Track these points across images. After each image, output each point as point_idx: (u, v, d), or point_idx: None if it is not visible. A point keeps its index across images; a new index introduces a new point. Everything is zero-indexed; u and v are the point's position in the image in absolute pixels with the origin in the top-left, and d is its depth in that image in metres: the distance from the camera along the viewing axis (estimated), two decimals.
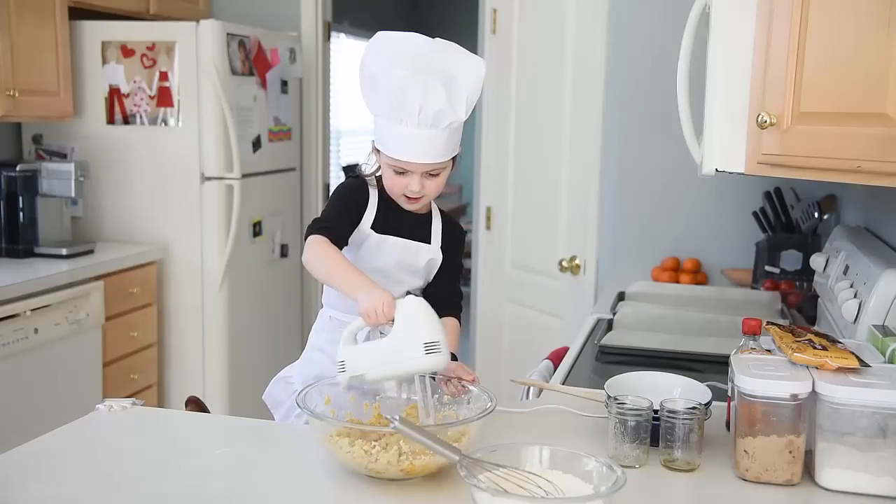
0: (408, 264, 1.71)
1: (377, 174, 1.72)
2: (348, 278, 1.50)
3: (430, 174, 1.62)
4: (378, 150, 1.66)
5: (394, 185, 1.64)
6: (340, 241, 1.60)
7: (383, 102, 1.58)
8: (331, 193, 1.73)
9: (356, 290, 1.45)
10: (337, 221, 1.62)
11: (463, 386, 1.50)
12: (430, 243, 1.73)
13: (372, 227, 1.67)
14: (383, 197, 1.70)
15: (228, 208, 3.48)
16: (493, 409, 1.37)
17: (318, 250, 1.55)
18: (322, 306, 1.82)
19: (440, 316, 1.70)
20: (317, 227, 1.59)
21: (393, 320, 1.40)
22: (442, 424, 1.41)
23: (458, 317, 1.74)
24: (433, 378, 1.52)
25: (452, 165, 1.67)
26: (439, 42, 1.62)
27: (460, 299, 1.78)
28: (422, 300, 1.43)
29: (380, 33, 1.62)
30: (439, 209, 1.79)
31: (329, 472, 1.36)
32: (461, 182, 7.39)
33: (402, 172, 1.61)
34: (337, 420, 1.41)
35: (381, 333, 1.46)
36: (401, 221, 1.70)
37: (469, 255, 4.14)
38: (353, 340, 1.46)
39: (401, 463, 1.28)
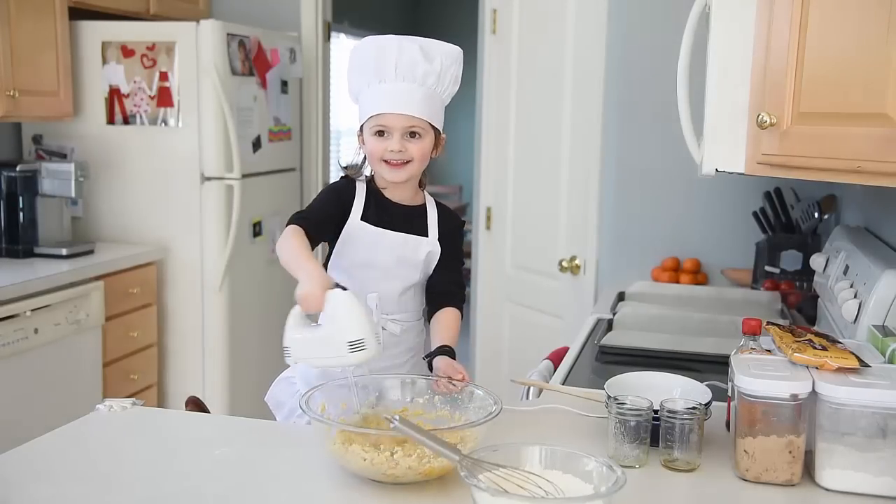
0: (407, 259, 1.71)
1: (365, 170, 1.74)
2: (296, 263, 1.51)
3: (411, 135, 1.64)
4: (361, 134, 1.69)
5: (375, 150, 1.66)
6: (316, 233, 1.62)
7: (363, 74, 1.65)
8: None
9: (298, 275, 1.48)
10: (316, 214, 1.66)
11: (454, 384, 1.50)
12: (427, 236, 1.73)
13: (364, 220, 1.68)
14: (372, 190, 1.71)
15: (228, 208, 3.48)
16: (498, 412, 1.36)
17: (286, 239, 1.57)
18: None
19: (441, 307, 1.71)
20: (294, 218, 1.62)
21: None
22: (446, 428, 1.39)
23: (459, 307, 1.74)
24: (424, 377, 1.53)
25: (438, 146, 1.70)
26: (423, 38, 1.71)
27: (462, 290, 1.78)
28: (348, 293, 1.44)
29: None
30: (434, 200, 1.79)
31: (329, 472, 1.36)
32: (461, 182, 7.39)
33: (382, 133, 1.65)
34: (365, 428, 1.38)
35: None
36: (395, 215, 1.71)
37: (469, 256, 4.14)
38: (297, 324, 1.47)
39: (422, 466, 1.27)
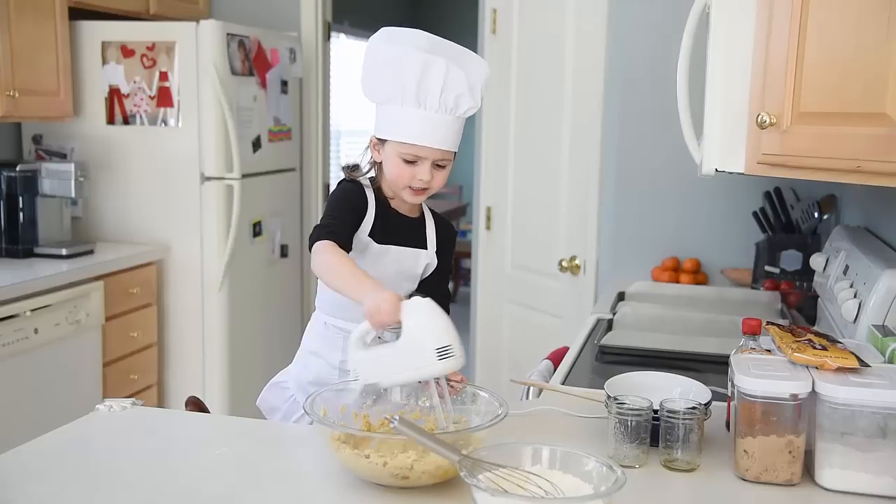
0: (407, 272, 1.70)
1: (370, 176, 1.71)
2: (356, 283, 1.45)
3: (438, 165, 1.62)
4: (380, 144, 1.64)
5: (400, 176, 1.62)
6: (346, 244, 1.57)
7: (399, 87, 1.56)
8: (329, 196, 1.71)
9: (363, 293, 1.41)
10: (340, 225, 1.59)
11: (452, 387, 1.49)
12: (426, 248, 1.73)
13: (371, 235, 1.65)
14: (380, 200, 1.68)
15: (228, 208, 3.48)
16: (504, 415, 1.35)
17: (327, 257, 1.51)
18: (315, 309, 1.81)
19: None
20: (323, 233, 1.55)
21: (400, 323, 1.36)
22: (455, 430, 1.38)
23: None
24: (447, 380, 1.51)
25: (452, 161, 1.67)
26: (445, 40, 1.63)
27: (449, 301, 1.78)
28: (429, 300, 1.38)
29: (386, 28, 1.62)
30: (431, 210, 1.78)
31: (328, 472, 1.36)
32: (461, 182, 7.39)
33: (412, 161, 1.60)
34: (377, 433, 1.36)
35: (381, 338, 1.42)
36: (398, 227, 1.69)
37: (469, 255, 4.13)
38: (363, 345, 1.40)
39: (438, 471, 1.27)
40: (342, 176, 1.73)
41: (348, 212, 1.63)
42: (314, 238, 1.55)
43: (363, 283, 1.44)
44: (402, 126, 1.59)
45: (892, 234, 2.10)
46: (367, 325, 1.39)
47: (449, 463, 1.25)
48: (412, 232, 1.72)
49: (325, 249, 1.52)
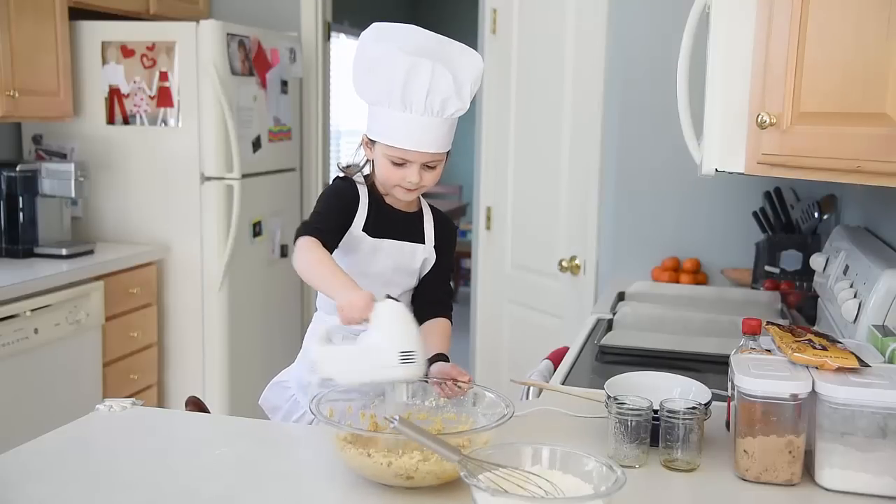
0: (404, 266, 1.70)
1: (365, 173, 1.71)
2: (332, 280, 1.47)
3: (428, 166, 1.61)
4: (371, 143, 1.64)
5: (390, 177, 1.62)
6: (330, 243, 1.58)
7: (385, 89, 1.56)
8: (320, 194, 1.71)
9: (337, 290, 1.43)
10: (326, 223, 1.60)
11: (459, 387, 1.49)
12: (424, 243, 1.72)
13: (364, 230, 1.65)
14: (374, 196, 1.68)
15: (228, 208, 3.48)
16: (511, 415, 1.35)
17: (307, 253, 1.53)
18: (316, 309, 1.81)
19: (433, 316, 1.70)
20: (307, 230, 1.56)
21: (369, 321, 1.38)
22: (463, 432, 1.38)
23: (449, 317, 1.73)
24: (426, 381, 1.51)
25: (446, 159, 1.66)
26: (439, 36, 1.62)
27: (451, 299, 1.78)
28: (401, 305, 1.40)
29: (376, 24, 1.61)
30: (430, 206, 1.77)
31: (328, 472, 1.36)
32: (461, 182, 7.38)
33: (400, 164, 1.60)
34: (381, 433, 1.36)
35: (355, 335, 1.44)
36: (393, 222, 1.69)
37: (469, 255, 4.13)
38: (328, 340, 1.44)
39: (444, 472, 1.26)
40: (339, 175, 1.72)
41: (336, 210, 1.64)
42: (298, 234, 1.56)
43: (340, 281, 1.46)
44: (388, 129, 1.58)
45: (892, 234, 2.10)
46: (336, 324, 1.41)
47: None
48: (408, 226, 1.71)
49: (307, 246, 1.53)
